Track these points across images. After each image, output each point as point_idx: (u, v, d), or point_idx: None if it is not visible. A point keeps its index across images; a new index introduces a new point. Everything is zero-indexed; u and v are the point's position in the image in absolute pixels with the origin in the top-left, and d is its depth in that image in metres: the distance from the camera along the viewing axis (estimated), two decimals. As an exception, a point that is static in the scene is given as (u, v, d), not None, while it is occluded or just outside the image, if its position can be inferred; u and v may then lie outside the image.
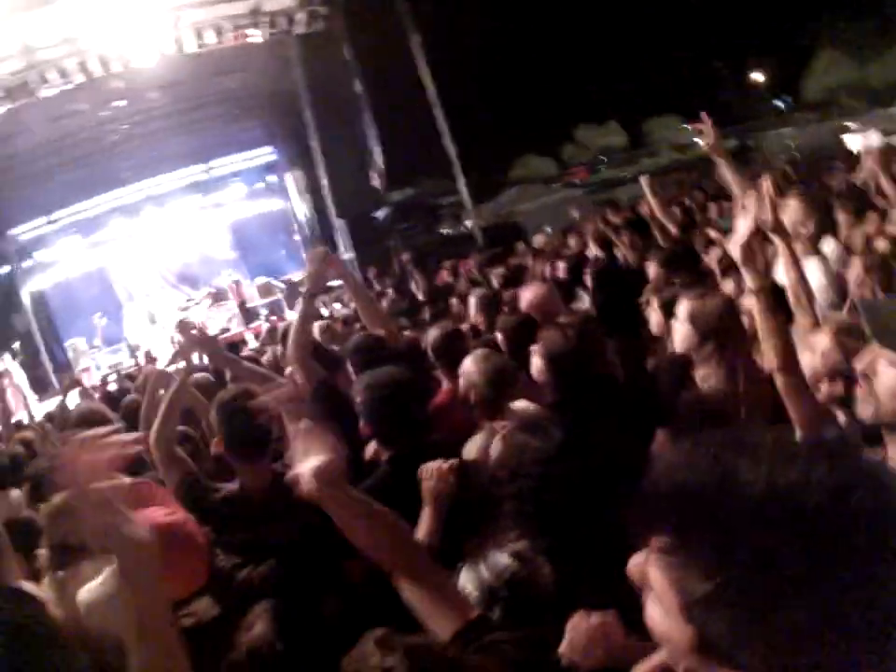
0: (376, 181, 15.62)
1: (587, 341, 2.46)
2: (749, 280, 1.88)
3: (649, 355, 3.17)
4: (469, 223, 17.00)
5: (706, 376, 2.43)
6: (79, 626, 1.82)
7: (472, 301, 4.48)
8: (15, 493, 3.48)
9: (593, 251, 5.76)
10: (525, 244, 11.08)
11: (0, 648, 1.56)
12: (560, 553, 1.44)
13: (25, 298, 18.40)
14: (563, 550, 1.43)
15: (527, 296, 3.69)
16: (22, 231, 18.49)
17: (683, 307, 2.52)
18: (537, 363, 2.54)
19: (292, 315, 11.19)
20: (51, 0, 10.88)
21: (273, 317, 13.56)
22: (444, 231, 21.12)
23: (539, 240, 10.92)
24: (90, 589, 1.88)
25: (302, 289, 2.93)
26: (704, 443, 0.69)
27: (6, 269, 18.45)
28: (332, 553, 1.92)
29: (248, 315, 14.78)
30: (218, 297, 15.81)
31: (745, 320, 2.49)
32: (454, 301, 6.05)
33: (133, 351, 15.30)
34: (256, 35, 13.44)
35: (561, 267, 5.47)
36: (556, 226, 12.29)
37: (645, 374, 2.92)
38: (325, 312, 9.60)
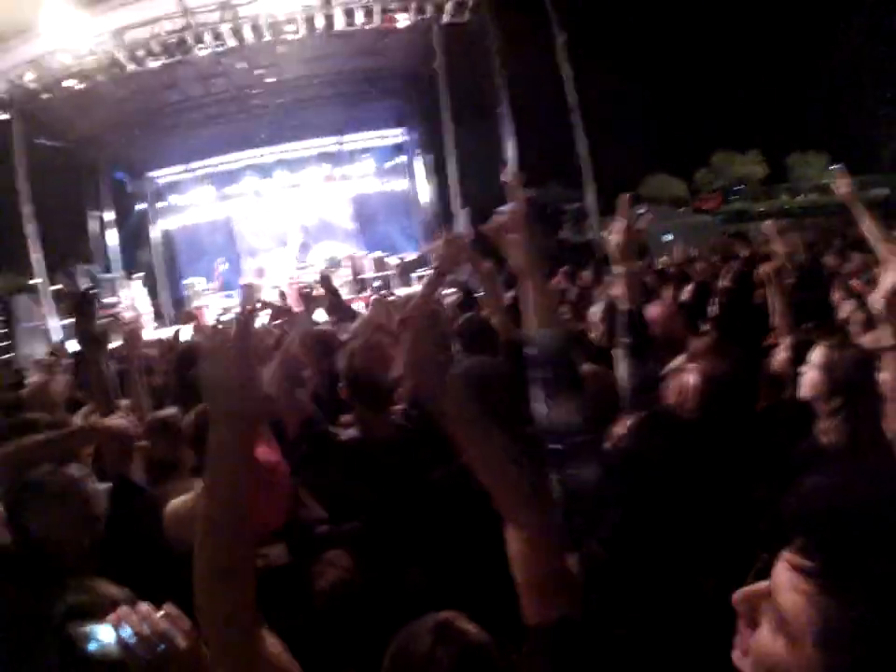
0: (506, 176, 15.47)
1: (745, 371, 2.34)
2: (889, 336, 1.74)
3: (763, 395, 2.94)
4: (591, 233, 16.61)
5: (826, 430, 2.25)
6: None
7: (595, 310, 4.26)
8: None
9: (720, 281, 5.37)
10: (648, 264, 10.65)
11: None
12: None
13: (154, 235, 20.01)
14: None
15: (653, 314, 3.50)
16: (161, 175, 20.06)
17: (818, 354, 2.36)
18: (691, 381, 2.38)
19: (401, 292, 11.53)
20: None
21: (383, 291, 13.82)
22: (565, 237, 20.74)
23: (663, 261, 10.44)
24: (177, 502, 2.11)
25: (418, 271, 3.00)
26: (862, 470, 0.70)
27: (141, 206, 20.07)
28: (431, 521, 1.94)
29: (360, 285, 15.35)
30: (333, 264, 16.45)
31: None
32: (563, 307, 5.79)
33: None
34: (402, 20, 13.59)
35: (687, 290, 5.12)
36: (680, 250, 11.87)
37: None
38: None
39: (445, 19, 13.84)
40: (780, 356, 3.04)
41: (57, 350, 8.56)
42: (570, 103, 14.86)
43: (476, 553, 1.48)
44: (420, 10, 13.57)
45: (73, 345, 13.25)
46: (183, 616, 1.09)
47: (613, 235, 2.31)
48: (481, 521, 1.60)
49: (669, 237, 12.57)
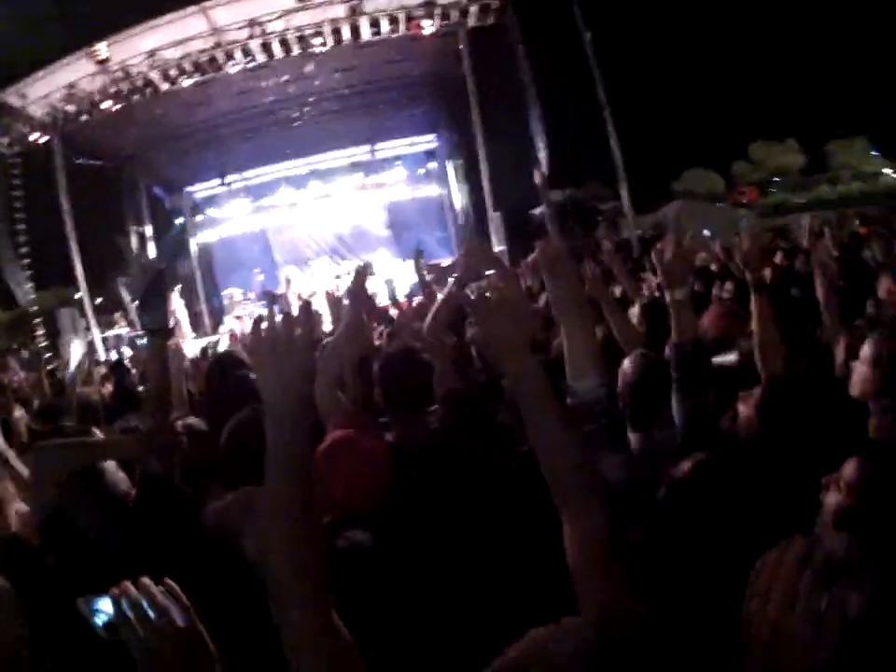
0: (538, 178, 15.39)
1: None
2: None
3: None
4: (627, 231, 16.42)
5: (878, 428, 2.11)
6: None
7: (633, 311, 4.17)
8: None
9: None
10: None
11: None
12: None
13: (192, 248, 20.44)
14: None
15: (706, 323, 3.48)
16: (198, 189, 20.52)
17: (869, 348, 2.21)
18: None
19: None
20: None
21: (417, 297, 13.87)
22: (601, 236, 20.54)
23: (702, 257, 10.19)
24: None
25: (453, 275, 2.99)
26: None
27: (179, 220, 20.53)
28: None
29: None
30: (369, 270, 16.58)
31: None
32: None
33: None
34: (428, 27, 13.64)
35: (728, 287, 4.99)
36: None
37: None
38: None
39: (471, 23, 13.87)
40: (838, 354, 2.82)
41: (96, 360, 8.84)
42: (601, 100, 14.69)
43: (522, 549, 1.46)
44: (445, 16, 13.62)
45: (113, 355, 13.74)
46: (181, 594, 1.08)
47: (663, 254, 2.23)
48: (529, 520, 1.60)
49: (707, 233, 12.30)
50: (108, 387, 5.78)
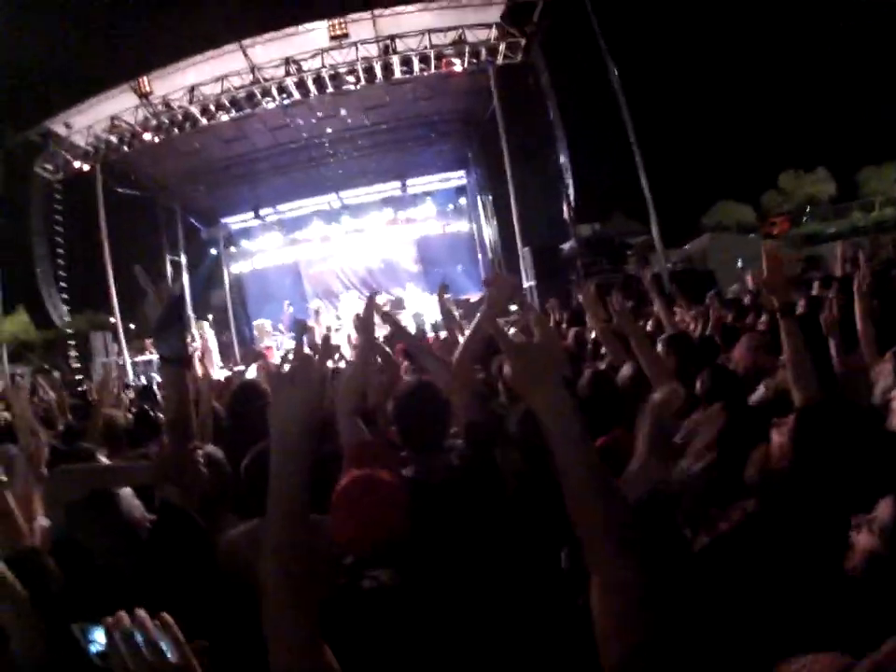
0: (566, 213, 15.49)
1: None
2: None
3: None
4: (657, 266, 16.27)
5: None
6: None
7: (660, 343, 4.14)
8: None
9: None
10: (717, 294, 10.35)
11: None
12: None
13: (225, 278, 20.99)
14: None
15: (737, 356, 3.54)
16: (232, 222, 21.10)
17: None
18: None
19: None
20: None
21: (444, 332, 13.91)
22: (630, 270, 20.44)
23: (734, 289, 10.10)
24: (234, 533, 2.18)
25: (481, 309, 2.95)
26: None
27: (213, 251, 21.07)
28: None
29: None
30: (397, 304, 16.87)
31: None
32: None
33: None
34: (457, 65, 13.95)
35: (762, 320, 4.96)
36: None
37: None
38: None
39: (499, 60, 14.13)
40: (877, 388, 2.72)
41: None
42: (628, 134, 14.74)
43: (543, 585, 1.44)
44: (474, 54, 13.92)
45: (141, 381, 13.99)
46: (176, 628, 1.07)
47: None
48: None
49: (739, 264, 12.22)
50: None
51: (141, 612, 1.05)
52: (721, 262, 17.60)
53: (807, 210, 29.39)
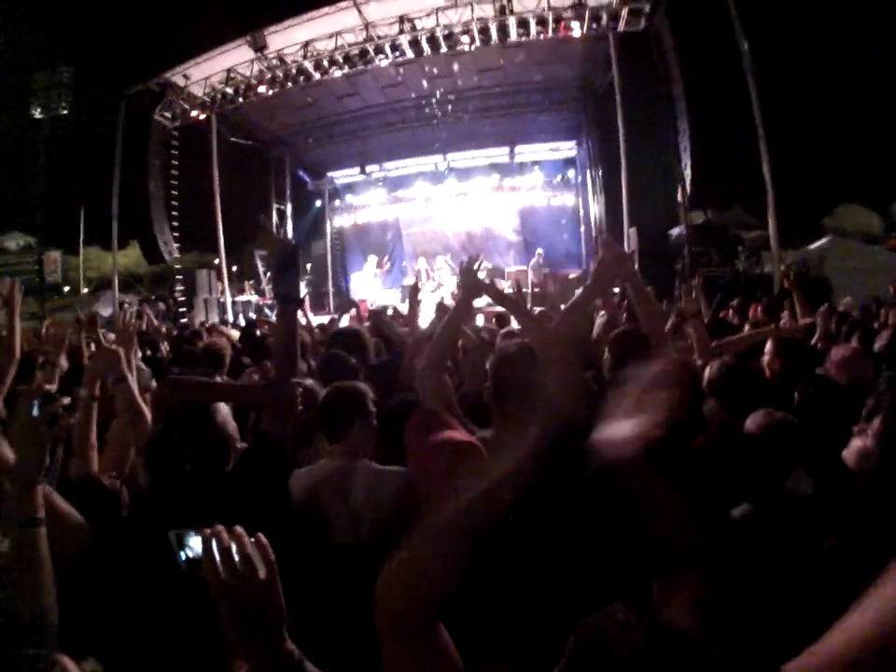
0: (680, 196, 14.66)
1: None
2: None
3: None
4: (769, 265, 15.10)
5: None
6: None
7: (769, 346, 3.93)
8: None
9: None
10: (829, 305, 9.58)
11: None
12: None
13: (328, 230, 21.64)
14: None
15: (839, 355, 3.38)
16: (338, 176, 21.58)
17: None
18: None
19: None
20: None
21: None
22: (740, 267, 19.22)
23: (846, 302, 9.28)
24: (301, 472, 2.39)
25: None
26: None
27: (318, 203, 21.73)
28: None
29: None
30: (495, 273, 16.68)
31: None
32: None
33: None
34: (576, 29, 13.33)
35: (885, 336, 4.58)
36: (866, 293, 10.64)
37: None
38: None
39: (621, 27, 13.39)
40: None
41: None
42: (756, 120, 13.65)
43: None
44: (594, 19, 13.25)
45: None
46: (269, 548, 1.12)
47: None
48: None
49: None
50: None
51: (240, 528, 1.12)
52: (838, 270, 16.10)
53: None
